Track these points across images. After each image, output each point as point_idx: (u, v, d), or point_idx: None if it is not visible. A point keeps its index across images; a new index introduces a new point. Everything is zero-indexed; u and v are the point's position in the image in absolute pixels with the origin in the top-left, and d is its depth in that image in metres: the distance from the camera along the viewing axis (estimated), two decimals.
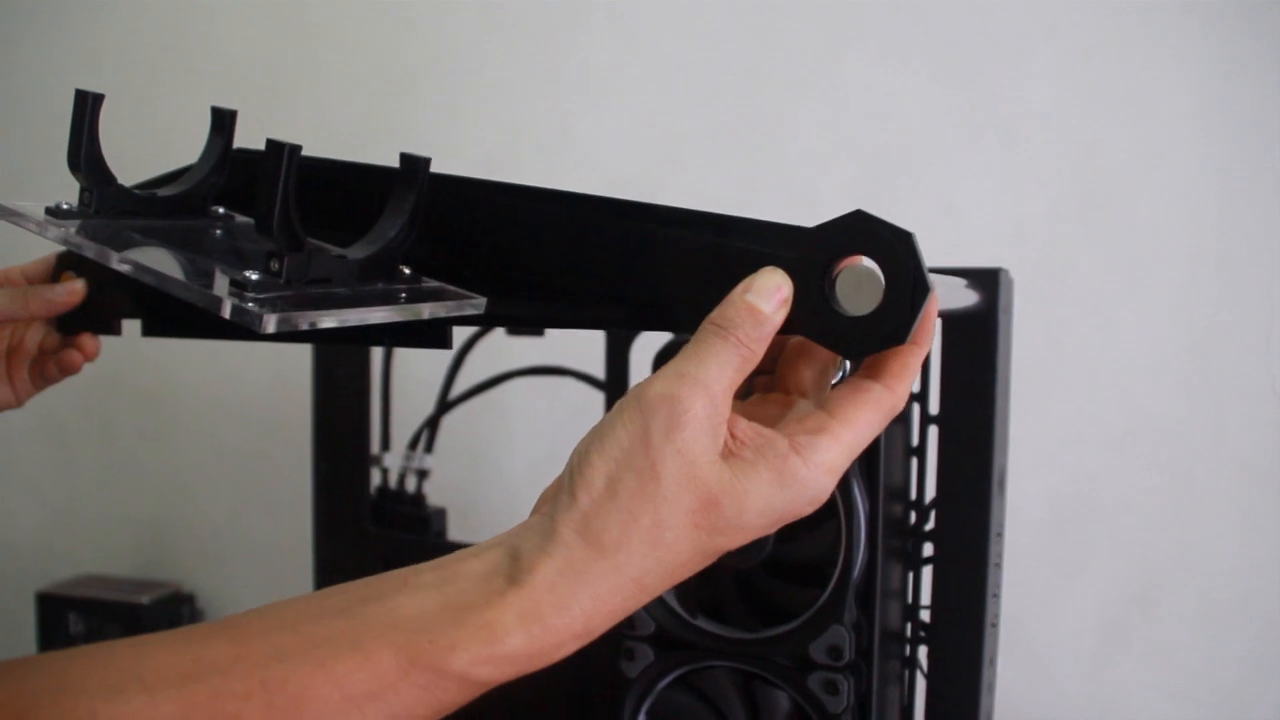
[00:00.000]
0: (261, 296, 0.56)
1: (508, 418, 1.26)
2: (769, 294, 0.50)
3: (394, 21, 1.40)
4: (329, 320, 0.58)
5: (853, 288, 0.49)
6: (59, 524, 1.64)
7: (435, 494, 1.10)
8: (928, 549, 0.77)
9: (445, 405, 1.10)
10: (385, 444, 1.12)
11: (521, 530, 0.49)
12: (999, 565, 0.76)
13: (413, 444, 1.10)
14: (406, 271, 0.64)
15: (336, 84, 1.43)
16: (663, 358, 0.78)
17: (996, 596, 0.76)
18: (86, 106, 0.69)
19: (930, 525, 0.76)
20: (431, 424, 1.10)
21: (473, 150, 1.34)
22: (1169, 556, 1.08)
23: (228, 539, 1.54)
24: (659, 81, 1.27)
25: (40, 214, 0.69)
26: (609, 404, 0.95)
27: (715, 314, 0.50)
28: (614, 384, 0.95)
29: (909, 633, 0.78)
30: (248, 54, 1.48)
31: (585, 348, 1.01)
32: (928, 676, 0.77)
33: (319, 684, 0.44)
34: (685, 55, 1.25)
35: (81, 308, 0.80)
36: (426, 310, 0.61)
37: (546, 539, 0.47)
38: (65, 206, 0.70)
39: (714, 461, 0.47)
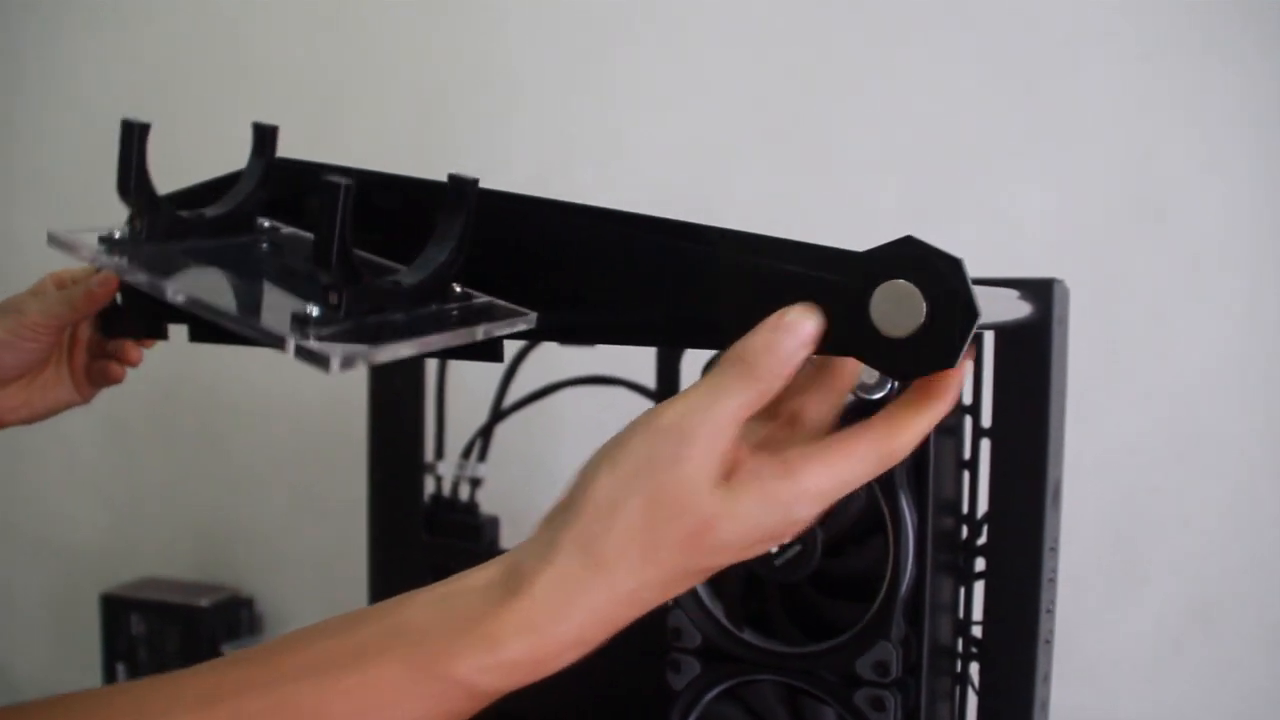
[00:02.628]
0: (323, 332, 0.57)
1: (560, 426, 1.27)
2: (795, 331, 0.50)
3: (445, 34, 1.41)
4: (389, 354, 0.59)
5: (891, 306, 0.49)
6: (122, 527, 1.67)
7: (488, 502, 1.10)
8: (980, 564, 0.76)
9: (498, 414, 1.10)
10: (439, 452, 1.12)
11: (524, 545, 0.51)
12: (1053, 580, 0.75)
13: (466, 452, 1.11)
14: (457, 289, 0.65)
15: (389, 96, 1.44)
16: (710, 369, 0.78)
17: (1050, 612, 0.75)
18: (134, 135, 0.70)
19: (983, 539, 0.76)
20: (485, 433, 1.10)
21: (523, 161, 1.35)
22: (1229, 572, 1.06)
23: (285, 544, 1.56)
24: (709, 91, 1.26)
25: (93, 243, 0.70)
26: None
27: (739, 345, 0.50)
28: (665, 393, 0.95)
29: (960, 648, 0.77)
30: (301, 67, 1.50)
31: (637, 357, 1.01)
32: (979, 693, 0.76)
33: (330, 699, 0.47)
34: (735, 64, 1.25)
35: (127, 312, 0.81)
36: (481, 331, 0.62)
37: (547, 550, 0.49)
38: (117, 235, 0.71)
39: (713, 490, 0.48)
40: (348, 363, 0.56)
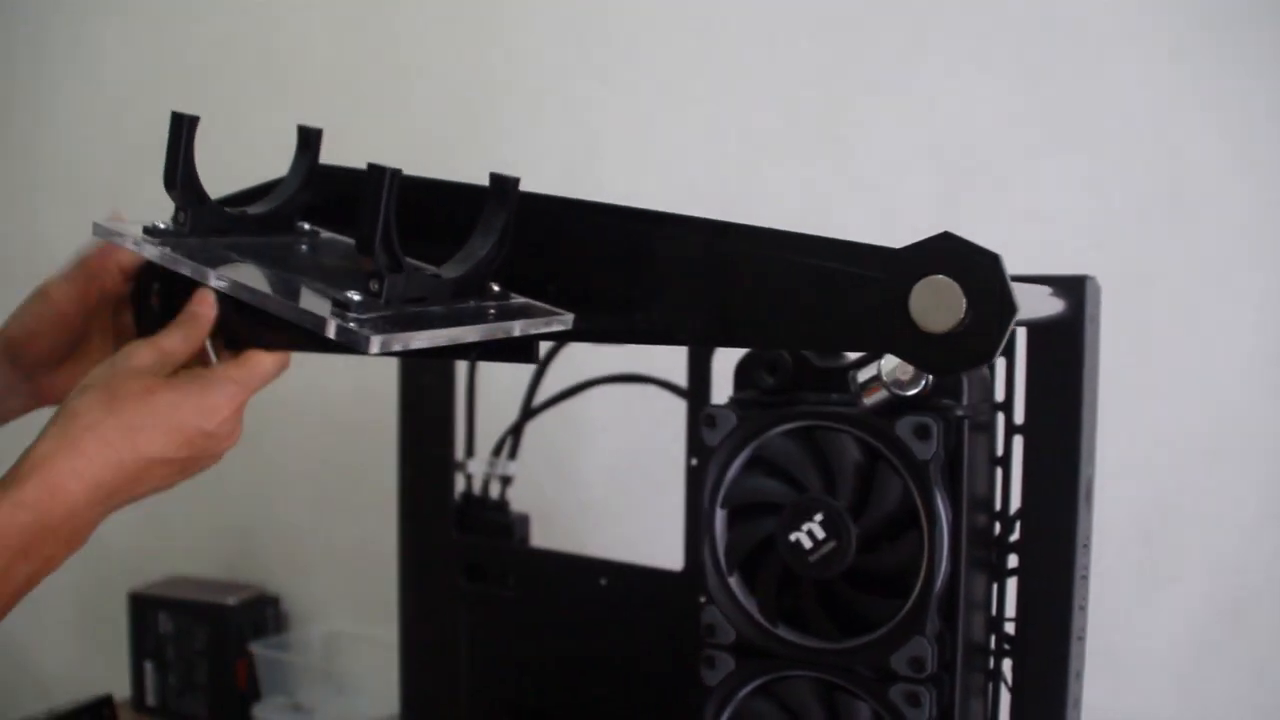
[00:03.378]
0: (363, 317, 0.59)
1: (590, 424, 1.27)
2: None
3: (475, 34, 1.42)
4: (426, 340, 0.60)
5: (931, 301, 0.50)
6: (150, 526, 1.67)
7: (518, 500, 1.11)
8: (1012, 560, 0.76)
9: (529, 412, 1.11)
10: (470, 450, 1.13)
11: None
12: (1085, 577, 0.75)
13: (496, 450, 1.11)
14: (495, 288, 0.66)
15: (419, 96, 1.45)
16: (744, 367, 0.79)
17: (1083, 609, 0.75)
18: (182, 128, 0.71)
19: (1015, 536, 0.76)
20: (515, 431, 1.11)
21: (553, 159, 1.35)
22: (1260, 570, 1.06)
23: (312, 543, 1.56)
24: (737, 88, 1.27)
25: (138, 233, 0.72)
26: (691, 411, 0.95)
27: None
28: (696, 391, 0.95)
29: (993, 645, 0.77)
30: (328, 67, 1.51)
31: (667, 355, 1.01)
32: (1012, 690, 0.76)
33: None
34: (763, 62, 1.25)
35: (164, 314, 0.81)
36: (517, 327, 0.63)
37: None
38: (161, 226, 0.72)
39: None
40: (385, 346, 0.58)
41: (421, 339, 0.60)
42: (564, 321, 0.65)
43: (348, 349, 0.59)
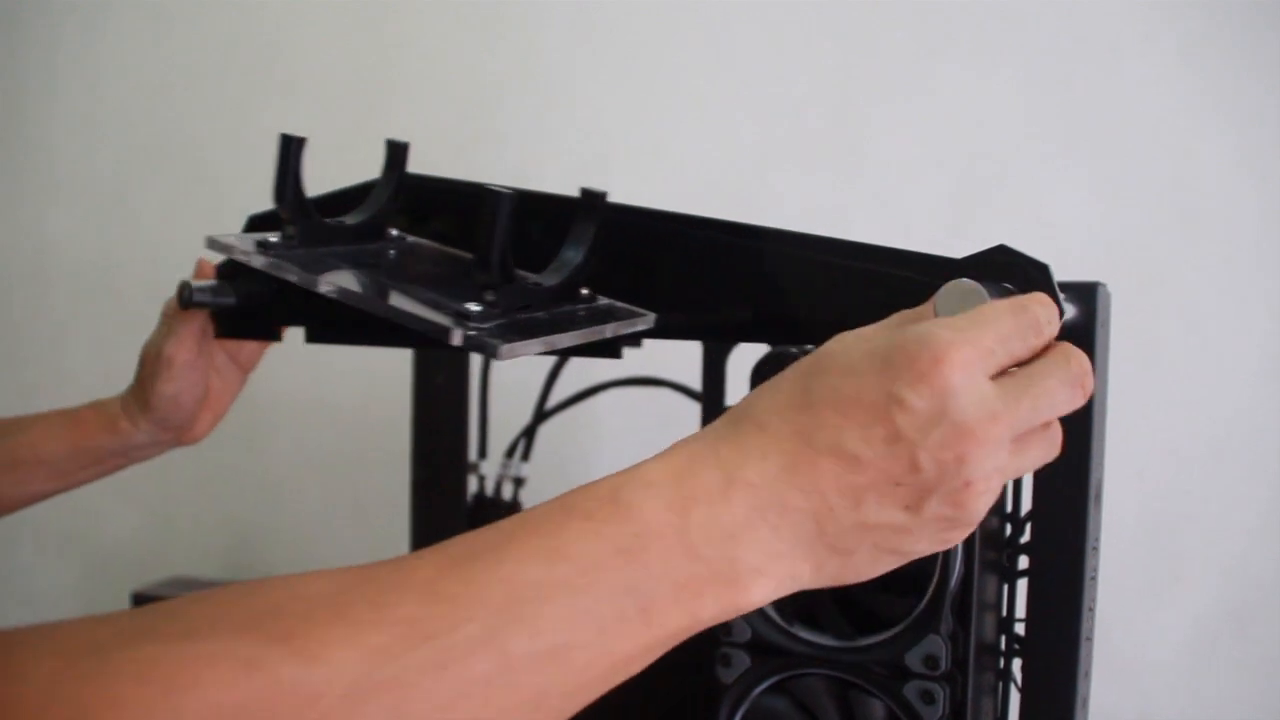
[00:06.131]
0: (484, 326, 0.66)
1: (601, 426, 1.28)
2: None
3: (484, 33, 1.42)
4: (539, 346, 0.66)
5: (957, 303, 0.52)
6: (154, 527, 1.68)
7: (531, 502, 1.11)
8: (1023, 562, 0.77)
9: (542, 414, 1.12)
10: (482, 452, 1.14)
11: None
12: (1094, 579, 0.76)
13: (510, 452, 1.12)
14: (584, 292, 0.72)
15: (429, 94, 1.46)
16: (760, 370, 0.80)
17: (1092, 610, 0.76)
18: (291, 149, 0.77)
19: (1025, 538, 0.77)
20: (529, 433, 1.12)
21: (564, 159, 1.36)
22: (1265, 572, 1.07)
23: (318, 544, 1.57)
24: (749, 90, 1.28)
25: (250, 246, 0.78)
26: (704, 414, 0.96)
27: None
28: (710, 395, 0.96)
29: (1003, 645, 0.79)
30: (341, 66, 1.52)
31: (680, 358, 1.03)
32: (1022, 690, 0.77)
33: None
34: (775, 64, 1.26)
35: (245, 315, 0.87)
36: (609, 330, 0.70)
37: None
38: (272, 239, 0.78)
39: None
40: (512, 353, 0.64)
41: (536, 345, 0.66)
42: (647, 321, 0.72)
43: (402, 340, 0.67)
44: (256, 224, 0.87)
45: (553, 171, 1.35)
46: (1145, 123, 1.11)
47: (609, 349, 0.72)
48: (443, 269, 0.77)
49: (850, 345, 0.50)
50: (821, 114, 1.24)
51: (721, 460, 0.48)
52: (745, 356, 0.80)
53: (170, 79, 1.65)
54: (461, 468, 1.09)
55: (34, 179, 1.81)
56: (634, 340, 0.75)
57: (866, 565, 0.50)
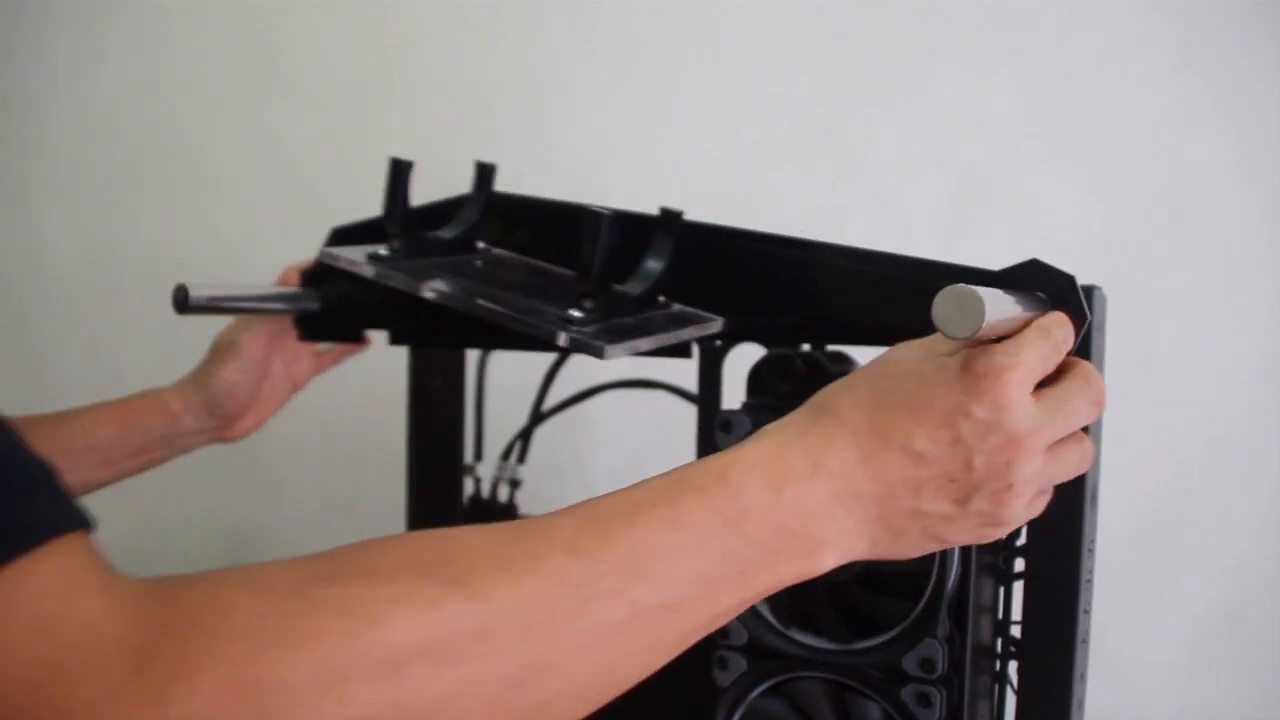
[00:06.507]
0: (587, 329, 0.74)
1: (597, 429, 1.28)
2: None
3: (483, 34, 1.42)
4: (630, 348, 0.74)
5: (954, 309, 0.52)
6: (147, 528, 1.68)
7: (527, 503, 1.12)
8: (1019, 565, 0.77)
9: (539, 416, 1.12)
10: (478, 453, 1.14)
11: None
12: (1090, 581, 0.76)
13: (506, 454, 1.12)
14: (660, 299, 0.81)
15: (428, 94, 1.46)
16: (758, 372, 0.80)
17: (1088, 613, 0.76)
18: (401, 173, 0.86)
19: (1021, 540, 0.77)
20: (525, 434, 1.12)
21: (564, 159, 1.36)
22: (1263, 573, 1.07)
23: (314, 546, 1.55)
24: (749, 90, 1.28)
25: (361, 258, 0.86)
26: (701, 416, 0.96)
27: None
28: (706, 397, 0.96)
29: (999, 648, 0.78)
30: (341, 66, 1.52)
31: (674, 361, 1.03)
32: (1018, 692, 0.77)
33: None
34: (775, 64, 1.26)
35: (333, 318, 0.95)
36: (686, 333, 0.78)
37: None
38: (382, 252, 0.86)
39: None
40: (614, 354, 0.72)
41: (630, 347, 0.74)
42: (716, 325, 0.79)
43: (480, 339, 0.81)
44: (340, 235, 0.96)
45: (553, 171, 1.35)
46: (1144, 123, 1.11)
47: (682, 350, 0.81)
48: (530, 278, 0.86)
49: (918, 355, 0.58)
50: (821, 114, 1.24)
51: (808, 448, 0.56)
52: (741, 359, 0.80)
53: (170, 79, 1.65)
54: (457, 470, 1.09)
55: (33, 178, 1.81)
56: (700, 342, 0.82)
57: (912, 546, 0.58)
